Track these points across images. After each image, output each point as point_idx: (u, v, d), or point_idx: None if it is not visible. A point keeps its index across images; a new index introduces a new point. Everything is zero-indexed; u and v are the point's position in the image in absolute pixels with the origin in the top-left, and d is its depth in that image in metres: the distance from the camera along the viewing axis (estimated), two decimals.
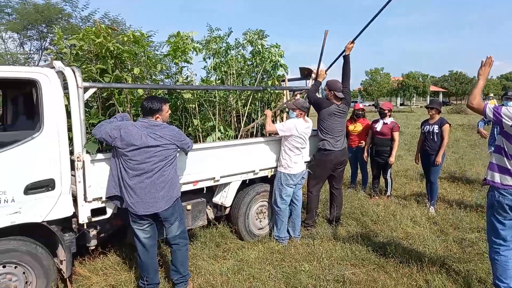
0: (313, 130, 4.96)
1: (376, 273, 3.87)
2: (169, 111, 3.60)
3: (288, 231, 4.79)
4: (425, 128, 6.09)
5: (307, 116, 4.80)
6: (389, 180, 6.60)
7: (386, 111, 6.48)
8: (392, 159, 6.37)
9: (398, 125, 6.57)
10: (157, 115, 3.35)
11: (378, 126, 6.45)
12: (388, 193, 6.58)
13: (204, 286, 3.62)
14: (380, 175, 6.72)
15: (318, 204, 5.26)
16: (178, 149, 3.46)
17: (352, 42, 4.83)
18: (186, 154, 3.75)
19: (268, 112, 4.62)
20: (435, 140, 5.90)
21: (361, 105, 7.03)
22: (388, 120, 6.46)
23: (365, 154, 6.72)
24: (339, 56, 4.96)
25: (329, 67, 5.11)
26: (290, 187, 4.62)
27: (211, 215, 4.64)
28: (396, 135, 6.40)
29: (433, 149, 5.92)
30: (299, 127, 4.48)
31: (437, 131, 5.88)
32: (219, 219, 4.89)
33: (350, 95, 5.07)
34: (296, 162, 4.57)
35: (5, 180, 2.95)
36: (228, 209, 4.68)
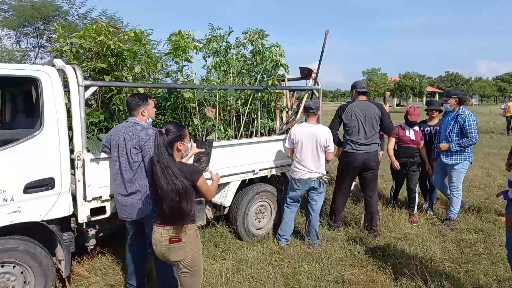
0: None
1: (376, 274, 3.88)
2: (155, 108, 3.52)
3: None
4: (426, 129, 5.99)
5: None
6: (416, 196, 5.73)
7: (418, 121, 5.65)
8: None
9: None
10: (143, 109, 3.27)
11: (411, 134, 5.49)
12: (416, 211, 5.68)
13: (204, 287, 3.61)
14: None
15: (339, 206, 5.08)
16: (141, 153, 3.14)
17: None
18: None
19: None
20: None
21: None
22: (416, 127, 5.63)
23: (396, 164, 5.61)
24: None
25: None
26: (295, 191, 4.54)
27: (210, 215, 4.62)
28: (423, 142, 5.73)
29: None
30: (294, 131, 4.44)
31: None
32: (218, 219, 4.88)
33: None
34: (297, 167, 4.45)
35: (5, 178, 2.93)
36: (227, 209, 4.67)
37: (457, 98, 5.30)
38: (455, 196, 5.34)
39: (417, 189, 5.72)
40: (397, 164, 5.54)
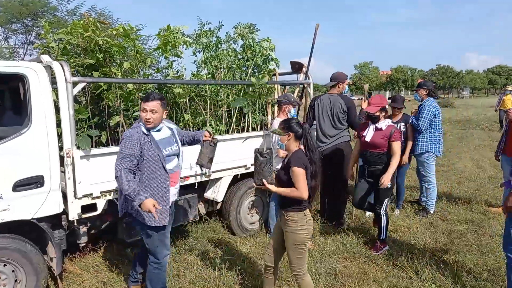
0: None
1: (367, 266, 3.91)
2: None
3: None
4: None
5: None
6: (383, 218, 4.22)
7: (377, 114, 4.15)
8: (384, 180, 4.02)
9: (399, 131, 4.25)
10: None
11: (368, 134, 4.22)
12: (383, 236, 4.25)
13: (197, 281, 3.62)
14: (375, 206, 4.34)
15: (320, 200, 5.20)
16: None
17: None
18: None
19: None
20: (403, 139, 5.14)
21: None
22: (383, 124, 4.19)
23: (350, 172, 4.72)
24: None
25: None
26: None
27: (203, 210, 4.63)
28: (396, 146, 4.08)
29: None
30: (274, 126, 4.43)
31: (404, 129, 5.43)
32: (211, 214, 4.89)
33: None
34: None
35: None
36: (219, 204, 4.67)
37: (427, 89, 5.45)
38: (427, 187, 5.45)
39: (384, 209, 4.21)
40: (348, 173, 4.74)
